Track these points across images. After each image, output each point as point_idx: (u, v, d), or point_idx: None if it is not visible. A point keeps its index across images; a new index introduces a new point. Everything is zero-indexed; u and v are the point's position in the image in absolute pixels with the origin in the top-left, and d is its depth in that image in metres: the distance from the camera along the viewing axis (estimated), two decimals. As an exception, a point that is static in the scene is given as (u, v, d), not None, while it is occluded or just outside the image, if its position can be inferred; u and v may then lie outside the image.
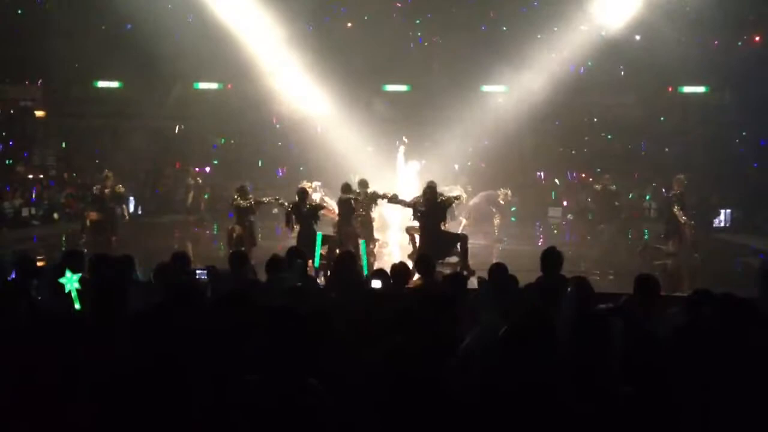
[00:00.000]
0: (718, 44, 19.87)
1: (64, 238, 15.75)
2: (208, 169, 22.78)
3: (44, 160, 22.57)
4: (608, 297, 6.34)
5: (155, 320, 3.96)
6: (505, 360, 3.84)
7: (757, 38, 20.32)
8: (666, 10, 18.32)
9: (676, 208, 13.43)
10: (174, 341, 3.88)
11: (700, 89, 21.77)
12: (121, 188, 14.80)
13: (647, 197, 19.85)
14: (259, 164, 22.11)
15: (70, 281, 5.08)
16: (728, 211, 18.87)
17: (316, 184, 14.26)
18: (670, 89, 21.96)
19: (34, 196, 19.37)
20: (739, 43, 20.71)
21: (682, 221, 13.38)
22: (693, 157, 19.32)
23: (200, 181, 21.51)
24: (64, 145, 23.25)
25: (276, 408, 3.32)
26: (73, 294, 5.03)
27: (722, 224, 18.79)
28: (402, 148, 16.96)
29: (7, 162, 21.51)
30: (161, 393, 3.56)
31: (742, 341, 4.22)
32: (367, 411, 3.68)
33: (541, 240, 16.75)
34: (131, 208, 19.01)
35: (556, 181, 22.12)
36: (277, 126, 21.83)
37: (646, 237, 16.27)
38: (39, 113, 22.98)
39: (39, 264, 7.54)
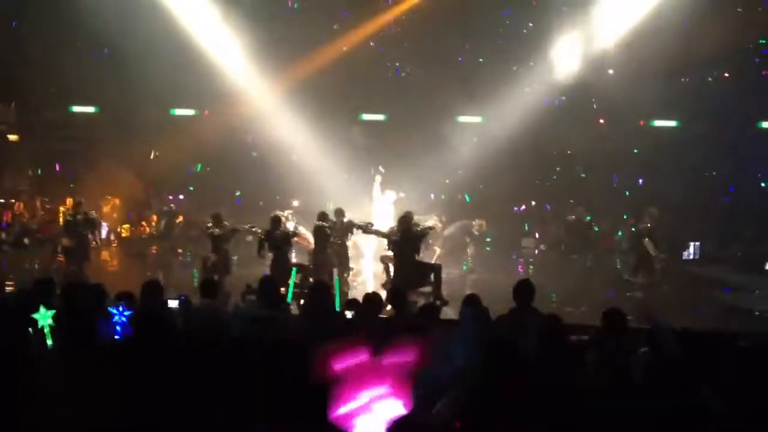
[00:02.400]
0: (689, 80, 20.22)
1: (36, 265, 15.56)
2: (182, 196, 22.62)
3: (17, 184, 22.25)
4: (580, 329, 6.42)
5: (126, 351, 3.94)
6: (479, 391, 3.85)
7: (726, 74, 20.73)
8: (638, 47, 18.72)
9: (646, 241, 13.62)
10: (145, 371, 3.86)
11: (671, 123, 22.11)
12: (93, 214, 14.74)
13: (619, 233, 20.09)
14: (237, 194, 21.97)
15: (44, 317, 5.02)
16: (697, 243, 19.15)
17: (288, 212, 14.27)
18: (641, 123, 22.26)
19: (5, 220, 19.12)
20: (710, 79, 21.10)
21: (653, 254, 13.55)
22: (664, 190, 19.54)
23: (174, 207, 21.37)
24: (37, 169, 22.98)
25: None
26: (46, 330, 4.96)
27: (691, 257, 19.05)
28: (378, 178, 17.01)
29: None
30: (132, 422, 3.54)
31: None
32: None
33: (514, 270, 16.83)
34: (104, 234, 18.81)
35: (533, 203, 22.27)
36: (254, 154, 21.79)
37: (617, 268, 16.38)
38: (12, 137, 22.70)
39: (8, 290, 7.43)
